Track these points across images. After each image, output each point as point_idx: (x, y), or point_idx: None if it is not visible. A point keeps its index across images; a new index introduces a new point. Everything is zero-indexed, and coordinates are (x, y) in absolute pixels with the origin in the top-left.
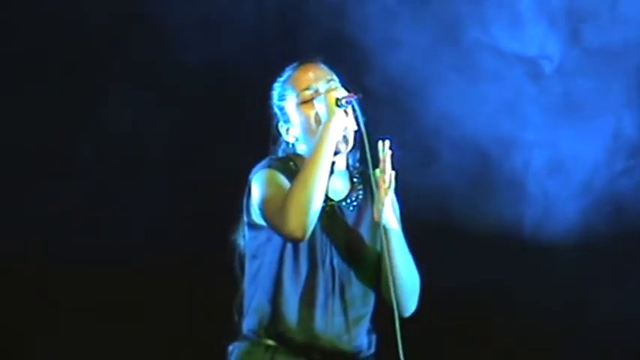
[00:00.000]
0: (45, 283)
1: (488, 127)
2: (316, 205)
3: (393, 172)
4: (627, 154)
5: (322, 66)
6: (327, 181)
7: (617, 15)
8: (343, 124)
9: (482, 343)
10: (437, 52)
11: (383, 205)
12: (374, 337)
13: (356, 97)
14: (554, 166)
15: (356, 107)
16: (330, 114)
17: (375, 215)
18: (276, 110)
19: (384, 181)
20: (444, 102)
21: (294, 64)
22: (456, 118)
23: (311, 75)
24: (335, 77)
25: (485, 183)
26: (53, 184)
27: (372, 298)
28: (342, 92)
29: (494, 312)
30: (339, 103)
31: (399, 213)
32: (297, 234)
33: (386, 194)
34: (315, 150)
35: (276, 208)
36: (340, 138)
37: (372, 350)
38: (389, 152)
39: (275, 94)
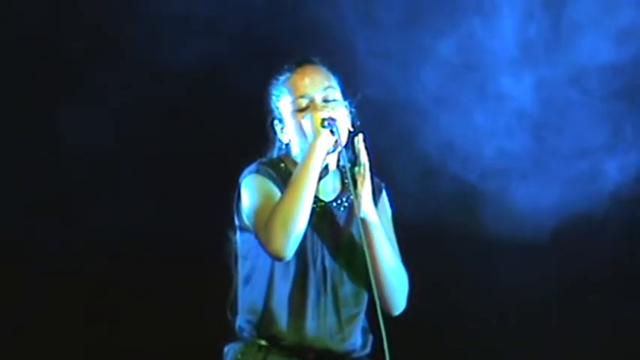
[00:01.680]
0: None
1: (475, 150)
2: (300, 225)
3: (367, 163)
4: (608, 194)
5: (321, 69)
6: (312, 200)
7: (596, 56)
8: (329, 144)
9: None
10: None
11: (360, 197)
12: (370, 337)
13: (336, 120)
14: (537, 193)
15: (335, 131)
16: (315, 134)
17: (356, 209)
18: (273, 107)
19: (360, 174)
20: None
21: (292, 65)
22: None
23: (307, 81)
24: (333, 82)
25: (471, 206)
26: (40, 180)
27: (364, 298)
28: (327, 112)
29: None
30: (324, 124)
31: (391, 215)
32: (281, 254)
33: (362, 186)
34: (300, 170)
35: (262, 224)
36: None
37: (367, 350)
38: (362, 144)
39: (272, 91)
